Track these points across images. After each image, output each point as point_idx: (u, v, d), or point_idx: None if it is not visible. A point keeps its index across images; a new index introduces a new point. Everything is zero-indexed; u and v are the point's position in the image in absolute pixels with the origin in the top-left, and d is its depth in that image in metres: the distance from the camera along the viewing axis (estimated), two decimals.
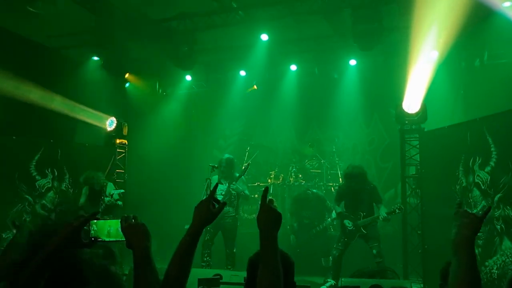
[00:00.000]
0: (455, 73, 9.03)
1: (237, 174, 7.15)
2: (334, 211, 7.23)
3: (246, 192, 7.29)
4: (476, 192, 5.92)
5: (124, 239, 1.88)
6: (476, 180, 5.92)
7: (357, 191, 6.56)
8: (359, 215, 6.50)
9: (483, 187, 5.83)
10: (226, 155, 7.36)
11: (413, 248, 7.24)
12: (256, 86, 10.69)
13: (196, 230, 1.94)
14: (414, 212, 7.41)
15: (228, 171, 7.07)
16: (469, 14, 6.51)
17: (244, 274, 2.18)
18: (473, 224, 1.79)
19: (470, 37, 7.78)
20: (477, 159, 5.94)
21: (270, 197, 2.00)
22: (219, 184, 6.88)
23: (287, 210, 8.49)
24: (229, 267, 6.94)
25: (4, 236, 7.29)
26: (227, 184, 7.00)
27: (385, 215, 6.33)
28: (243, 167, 7.24)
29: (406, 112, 7.20)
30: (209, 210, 1.97)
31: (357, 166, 6.91)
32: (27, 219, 7.59)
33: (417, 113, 7.16)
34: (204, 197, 2.07)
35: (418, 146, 7.39)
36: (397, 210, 6.41)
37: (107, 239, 1.96)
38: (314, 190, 8.27)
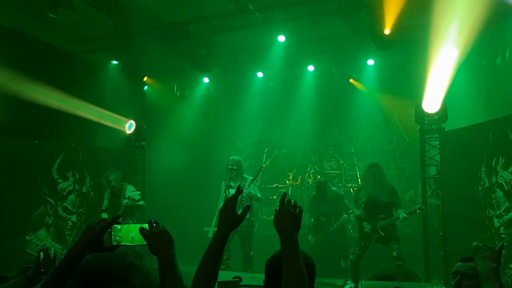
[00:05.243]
0: (476, 71, 8.87)
1: (247, 176, 7.15)
2: (351, 211, 7.19)
3: (258, 194, 7.21)
4: (500, 193, 5.79)
5: (146, 244, 1.88)
6: (499, 181, 5.80)
7: (376, 192, 6.49)
8: (378, 217, 6.42)
9: (506, 188, 5.70)
10: (233, 157, 7.27)
11: (434, 250, 7.12)
12: (274, 87, 10.71)
13: (222, 235, 1.96)
14: (435, 213, 7.29)
15: (237, 173, 7.05)
16: (489, 12, 6.39)
17: (263, 276, 2.18)
18: (494, 256, 2.15)
19: (491, 34, 7.63)
20: (500, 159, 5.82)
21: (289, 198, 1.99)
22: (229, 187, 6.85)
23: (306, 209, 8.45)
24: (248, 270, 6.92)
25: (27, 238, 7.44)
26: (235, 186, 6.98)
27: (405, 215, 6.25)
28: (258, 171, 7.21)
29: (426, 112, 7.09)
30: (234, 216, 1.99)
31: (372, 164, 6.87)
32: (49, 221, 7.73)
33: (437, 113, 7.04)
34: (223, 199, 2.09)
35: (438, 146, 7.28)
36: (417, 210, 6.32)
37: (130, 244, 1.96)
38: (333, 188, 8.23)
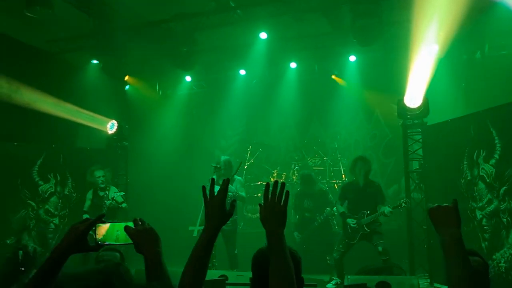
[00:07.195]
0: (456, 66, 8.98)
1: (236, 177, 7.13)
2: (335, 207, 7.21)
3: (241, 193, 7.17)
4: (481, 186, 5.87)
5: (132, 243, 1.85)
6: (481, 173, 5.88)
7: (361, 188, 6.52)
8: (363, 214, 6.45)
9: (488, 180, 5.79)
10: (224, 157, 7.30)
11: (418, 243, 7.20)
12: (256, 84, 10.70)
13: (212, 232, 1.91)
14: (419, 207, 7.36)
15: (226, 173, 7.03)
16: (469, 6, 6.47)
17: (250, 274, 2.16)
18: (451, 218, 1.78)
19: (471, 29, 7.73)
20: (482, 152, 5.90)
21: (274, 190, 1.94)
22: (215, 185, 6.82)
23: (291, 207, 8.45)
24: (234, 268, 6.89)
25: (8, 242, 7.28)
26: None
27: (390, 209, 6.28)
28: (237, 166, 7.21)
29: (408, 107, 7.15)
30: (224, 212, 1.96)
31: (359, 157, 6.88)
32: (31, 224, 7.59)
33: (419, 107, 7.10)
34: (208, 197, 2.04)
35: (421, 140, 7.35)
36: (403, 204, 6.36)
37: (115, 243, 1.92)
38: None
